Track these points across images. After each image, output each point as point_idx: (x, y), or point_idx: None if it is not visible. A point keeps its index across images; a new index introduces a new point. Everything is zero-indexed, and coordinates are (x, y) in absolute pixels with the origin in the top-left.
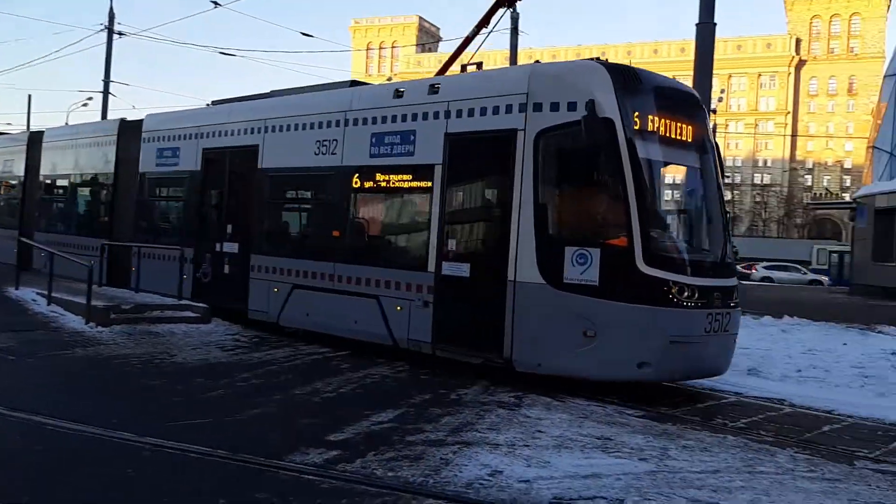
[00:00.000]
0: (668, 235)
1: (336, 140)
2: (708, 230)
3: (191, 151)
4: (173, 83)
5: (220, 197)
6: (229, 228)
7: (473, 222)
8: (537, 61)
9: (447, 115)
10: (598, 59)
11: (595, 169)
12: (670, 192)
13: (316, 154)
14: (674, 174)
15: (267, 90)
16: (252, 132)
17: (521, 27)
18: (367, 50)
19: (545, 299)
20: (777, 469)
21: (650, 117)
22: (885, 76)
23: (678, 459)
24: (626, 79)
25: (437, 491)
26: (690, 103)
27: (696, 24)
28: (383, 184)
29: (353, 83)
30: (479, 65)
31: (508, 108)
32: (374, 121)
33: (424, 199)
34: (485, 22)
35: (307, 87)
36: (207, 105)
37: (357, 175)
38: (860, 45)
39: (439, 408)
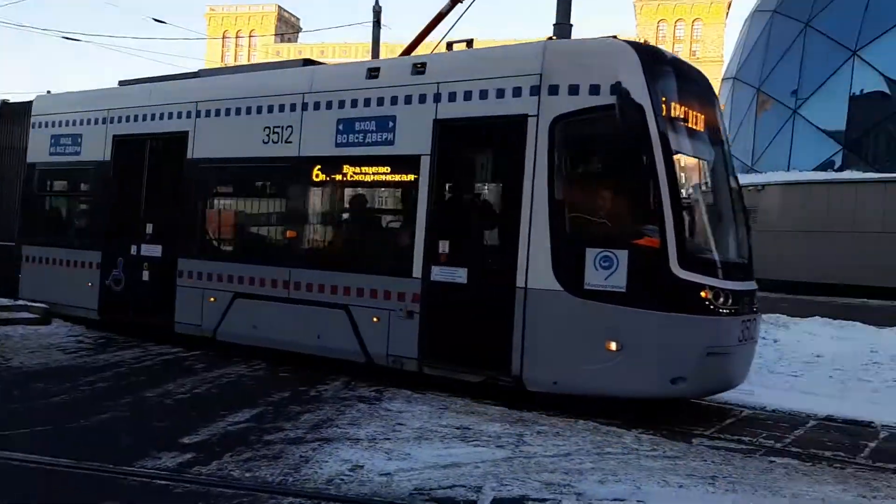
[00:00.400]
0: (702, 235)
1: (291, 126)
2: (734, 228)
3: (97, 139)
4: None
5: (138, 191)
6: (149, 228)
7: (472, 222)
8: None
9: (437, 98)
10: (615, 36)
11: (623, 161)
12: (698, 186)
13: (265, 143)
14: (700, 166)
15: (123, 78)
16: (180, 116)
17: (385, 21)
18: (224, 38)
19: (563, 308)
20: (623, 450)
21: (676, 104)
22: (723, 79)
23: (533, 445)
24: (654, 59)
25: (297, 489)
26: (708, 87)
27: (554, 25)
28: (353, 177)
29: (308, 62)
30: (470, 42)
31: (517, 91)
32: (342, 104)
33: (407, 194)
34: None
35: (248, 65)
36: (119, 84)
37: (319, 167)
38: (701, 49)
39: (299, 405)
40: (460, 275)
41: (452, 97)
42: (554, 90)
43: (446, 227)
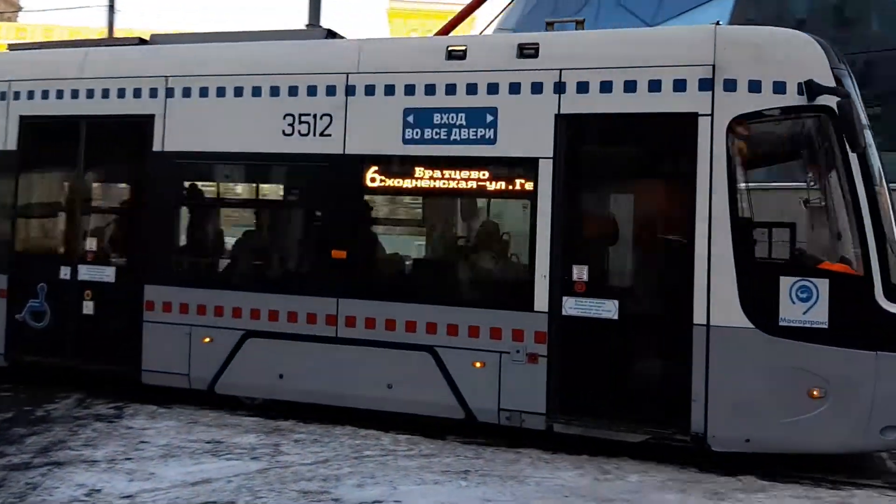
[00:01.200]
0: None
1: (329, 115)
2: None
3: None
4: None
5: (66, 194)
6: (91, 244)
7: (621, 243)
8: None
9: (559, 88)
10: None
11: (822, 173)
12: (886, 202)
13: (287, 134)
14: (882, 178)
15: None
16: (138, 95)
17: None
18: None
19: (753, 349)
20: (382, 452)
21: (860, 110)
22: None
23: (290, 454)
24: (835, 56)
25: None
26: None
27: (306, 26)
28: (432, 183)
29: (331, 33)
30: (581, 22)
31: (679, 85)
32: (410, 90)
33: (517, 205)
34: None
35: (243, 32)
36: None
37: (377, 168)
38: None
39: (24, 427)
40: (608, 308)
41: (582, 88)
42: (731, 85)
43: (584, 248)
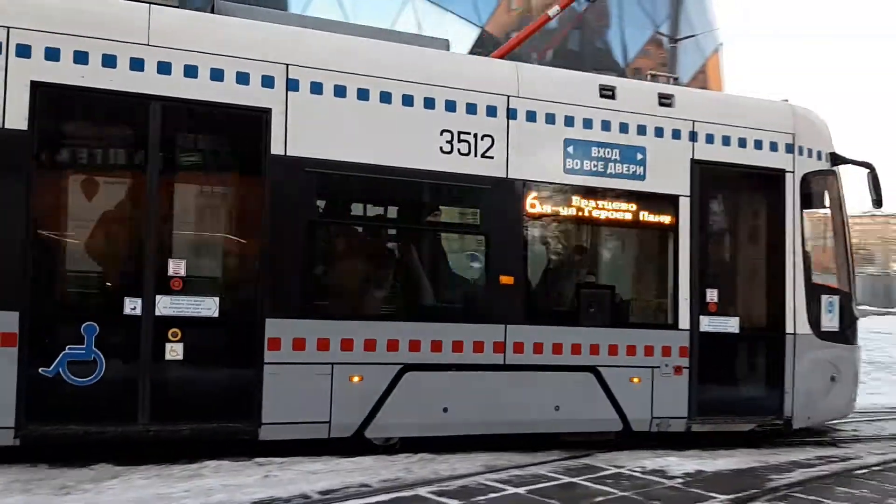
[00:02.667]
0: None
1: (492, 137)
2: None
3: None
4: None
5: (124, 197)
6: (175, 267)
7: (741, 269)
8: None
9: (692, 137)
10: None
11: (834, 221)
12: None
13: (446, 152)
14: None
15: None
16: (244, 82)
17: None
18: None
19: (813, 349)
20: None
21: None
22: None
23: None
24: None
25: None
26: None
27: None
28: (588, 213)
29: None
30: (675, 79)
31: (773, 146)
32: (570, 122)
33: (662, 236)
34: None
35: (367, 27)
36: None
37: (536, 195)
38: None
39: None
40: (732, 324)
41: (710, 139)
42: (801, 151)
43: (714, 274)
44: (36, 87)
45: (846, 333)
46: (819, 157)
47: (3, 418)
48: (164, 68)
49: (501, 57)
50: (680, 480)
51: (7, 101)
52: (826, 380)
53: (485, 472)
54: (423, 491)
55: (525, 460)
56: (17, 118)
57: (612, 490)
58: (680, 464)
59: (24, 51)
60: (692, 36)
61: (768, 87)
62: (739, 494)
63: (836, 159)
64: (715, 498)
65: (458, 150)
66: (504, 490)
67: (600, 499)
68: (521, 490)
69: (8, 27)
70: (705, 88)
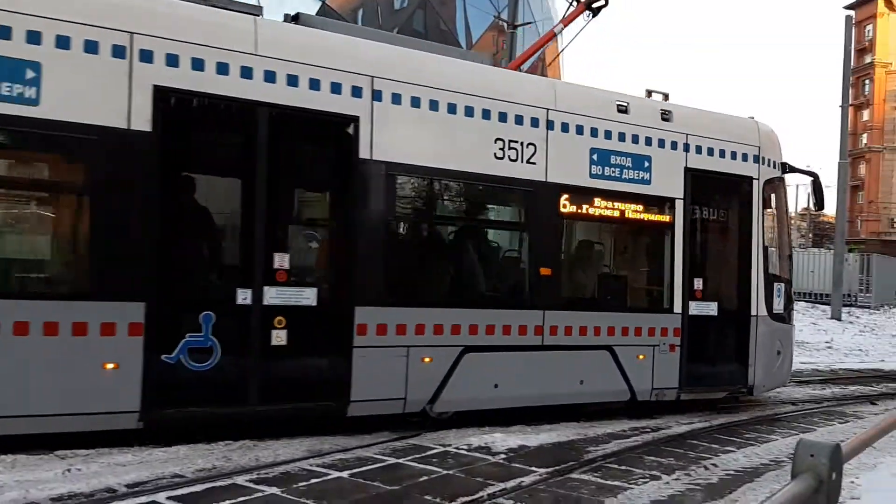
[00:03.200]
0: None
1: (534, 145)
2: None
3: (104, 81)
4: None
5: (237, 195)
6: (280, 261)
7: (719, 261)
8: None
9: (686, 148)
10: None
11: (781, 220)
12: None
13: (498, 158)
14: None
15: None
16: (338, 91)
17: None
18: None
19: (767, 328)
20: None
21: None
22: None
23: None
24: None
25: None
26: None
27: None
28: (607, 212)
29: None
30: (666, 95)
31: (745, 157)
32: (595, 133)
33: (663, 233)
34: (567, 21)
35: (406, 38)
36: None
37: (569, 197)
38: None
39: None
40: (713, 308)
41: (699, 150)
42: (763, 161)
43: (699, 265)
44: (159, 90)
45: (788, 314)
46: (775, 167)
47: (129, 403)
48: (269, 77)
49: (516, 67)
50: (503, 456)
51: (132, 104)
52: (774, 354)
53: (308, 457)
54: (240, 479)
55: (352, 443)
56: (142, 120)
57: (437, 469)
58: (504, 440)
59: (147, 56)
60: (530, 23)
61: (602, 76)
62: (558, 467)
63: (786, 168)
64: (535, 471)
65: (509, 156)
66: (327, 475)
67: (424, 478)
68: (345, 474)
69: (132, 33)
70: (544, 75)
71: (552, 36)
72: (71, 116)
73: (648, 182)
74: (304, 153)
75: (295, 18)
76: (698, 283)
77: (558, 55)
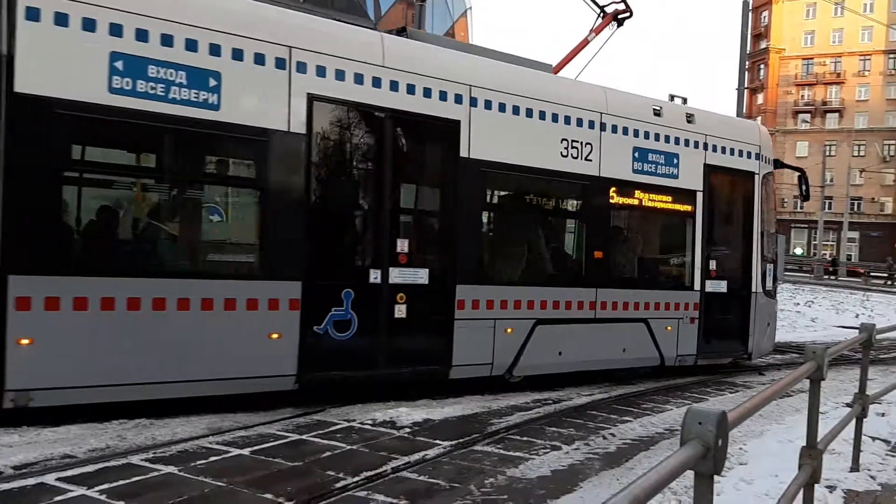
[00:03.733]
0: None
1: (591, 144)
2: None
3: (270, 90)
4: None
5: (370, 190)
6: (401, 245)
7: (727, 244)
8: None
9: (706, 147)
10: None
11: (771, 209)
12: None
13: (563, 156)
14: None
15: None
16: (444, 98)
17: None
18: None
19: (762, 303)
20: None
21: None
22: None
23: None
24: None
25: None
26: None
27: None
28: (645, 202)
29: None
30: (685, 99)
31: (749, 154)
32: (636, 134)
33: (686, 221)
34: (598, 31)
35: (485, 49)
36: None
37: (616, 190)
38: None
39: None
40: (723, 286)
41: (714, 148)
42: (760, 157)
43: (713, 249)
44: (311, 98)
45: (775, 291)
46: (769, 162)
47: (289, 368)
48: (394, 86)
49: (558, 70)
50: (408, 430)
51: (291, 109)
52: (766, 325)
53: (208, 434)
54: (136, 459)
55: (254, 420)
56: (299, 124)
57: (340, 444)
58: (409, 414)
59: (302, 67)
60: None
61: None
62: (462, 440)
63: (777, 164)
64: (439, 444)
65: (571, 154)
66: (227, 452)
67: (328, 454)
68: (246, 451)
69: (290, 46)
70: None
71: (586, 44)
72: (244, 120)
73: (677, 177)
74: (420, 152)
75: (401, 31)
76: (713, 265)
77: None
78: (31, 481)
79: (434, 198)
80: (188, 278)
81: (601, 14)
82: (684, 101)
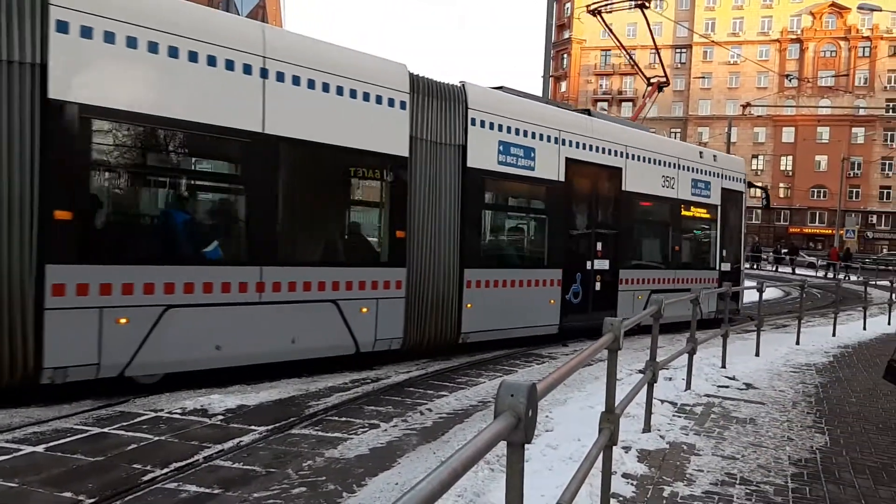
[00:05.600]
0: None
1: (673, 178)
2: None
3: (549, 157)
4: None
5: (586, 214)
6: (599, 246)
7: (730, 240)
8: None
9: (720, 176)
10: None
11: (742, 215)
12: None
13: (663, 186)
14: None
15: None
16: (613, 154)
17: None
18: None
19: (740, 276)
20: None
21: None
22: None
23: None
24: None
25: None
26: None
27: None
28: (693, 215)
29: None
30: (705, 144)
31: (740, 180)
32: (693, 170)
33: (712, 225)
34: (649, 95)
35: (611, 117)
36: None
37: (684, 207)
38: None
39: None
40: (728, 266)
41: (725, 176)
42: (745, 182)
43: (725, 243)
44: (567, 161)
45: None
46: (744, 182)
47: (556, 320)
48: (601, 149)
49: (635, 118)
50: (221, 417)
51: (559, 168)
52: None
53: None
54: None
55: (49, 415)
56: (560, 175)
57: (147, 436)
58: (222, 400)
59: (562, 141)
60: None
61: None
62: (278, 424)
63: (749, 184)
64: (254, 430)
65: (667, 185)
66: (18, 450)
67: (133, 447)
68: (40, 448)
69: (560, 129)
70: (265, 21)
71: (644, 105)
72: (545, 175)
73: (710, 196)
74: (606, 190)
75: (587, 112)
76: (724, 254)
77: None
78: None
79: (608, 217)
80: (525, 269)
81: (649, 83)
82: (705, 144)
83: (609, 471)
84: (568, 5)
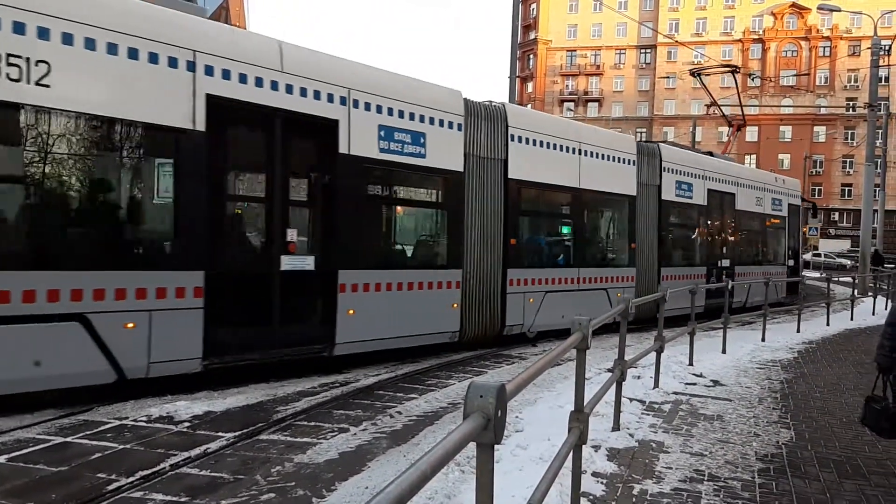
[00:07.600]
0: None
1: (761, 198)
2: None
3: (698, 189)
4: None
5: (719, 229)
6: (724, 251)
7: (795, 242)
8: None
9: (786, 195)
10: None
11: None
12: None
13: (755, 204)
14: None
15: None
16: (728, 183)
17: None
18: None
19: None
20: None
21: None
22: None
23: None
24: None
25: None
26: None
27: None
28: (770, 223)
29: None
30: (710, 153)
31: (796, 196)
32: (771, 191)
33: (781, 232)
34: (732, 134)
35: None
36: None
37: (767, 218)
38: None
39: None
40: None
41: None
42: (788, 195)
43: (790, 243)
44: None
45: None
46: (801, 198)
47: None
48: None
49: (724, 151)
50: (187, 424)
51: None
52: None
53: None
54: None
55: (9, 424)
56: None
57: (112, 444)
58: (189, 407)
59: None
60: None
61: (290, 27)
62: (246, 430)
63: (802, 199)
64: (222, 437)
65: (758, 203)
66: None
67: (97, 455)
68: (1, 459)
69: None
70: (228, 23)
71: (729, 143)
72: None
73: (781, 210)
74: (721, 213)
75: (710, 154)
76: (790, 252)
77: None
78: None
79: (720, 231)
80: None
81: (730, 125)
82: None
83: (579, 470)
84: (534, 6)
